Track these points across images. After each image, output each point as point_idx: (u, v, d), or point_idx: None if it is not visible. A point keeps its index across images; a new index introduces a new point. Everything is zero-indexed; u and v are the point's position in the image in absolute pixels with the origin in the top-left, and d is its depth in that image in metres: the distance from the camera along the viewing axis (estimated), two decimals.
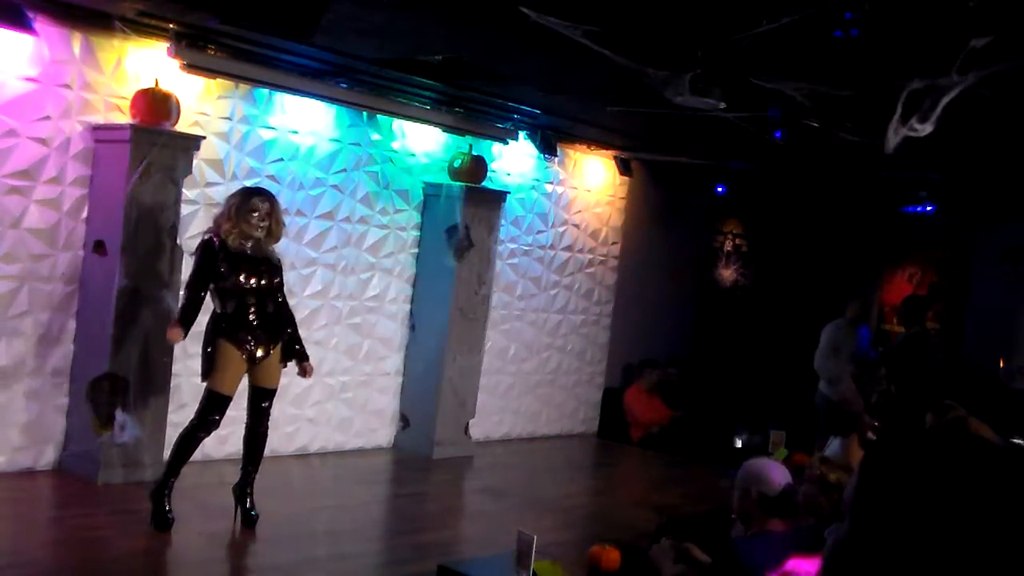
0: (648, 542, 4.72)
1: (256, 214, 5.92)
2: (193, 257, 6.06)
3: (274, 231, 6.05)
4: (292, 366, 6.27)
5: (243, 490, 6.17)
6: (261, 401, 6.14)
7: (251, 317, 5.94)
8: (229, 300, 5.91)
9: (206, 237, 5.98)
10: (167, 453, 6.92)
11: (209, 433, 5.96)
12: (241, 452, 6.29)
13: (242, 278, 5.90)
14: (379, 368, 8.65)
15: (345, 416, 8.43)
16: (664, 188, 11.18)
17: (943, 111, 4.42)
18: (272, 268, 6.09)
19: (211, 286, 5.90)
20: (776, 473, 4.25)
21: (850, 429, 5.94)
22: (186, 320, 5.89)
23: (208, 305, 6.01)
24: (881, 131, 4.66)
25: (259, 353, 5.98)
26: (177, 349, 6.87)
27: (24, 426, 6.55)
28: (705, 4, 4.76)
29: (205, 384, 5.97)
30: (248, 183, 7.41)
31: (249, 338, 5.93)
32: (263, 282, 5.98)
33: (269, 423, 6.24)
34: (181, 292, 6.19)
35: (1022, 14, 4.10)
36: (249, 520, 6.11)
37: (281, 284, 6.15)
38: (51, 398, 6.65)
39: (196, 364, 6.95)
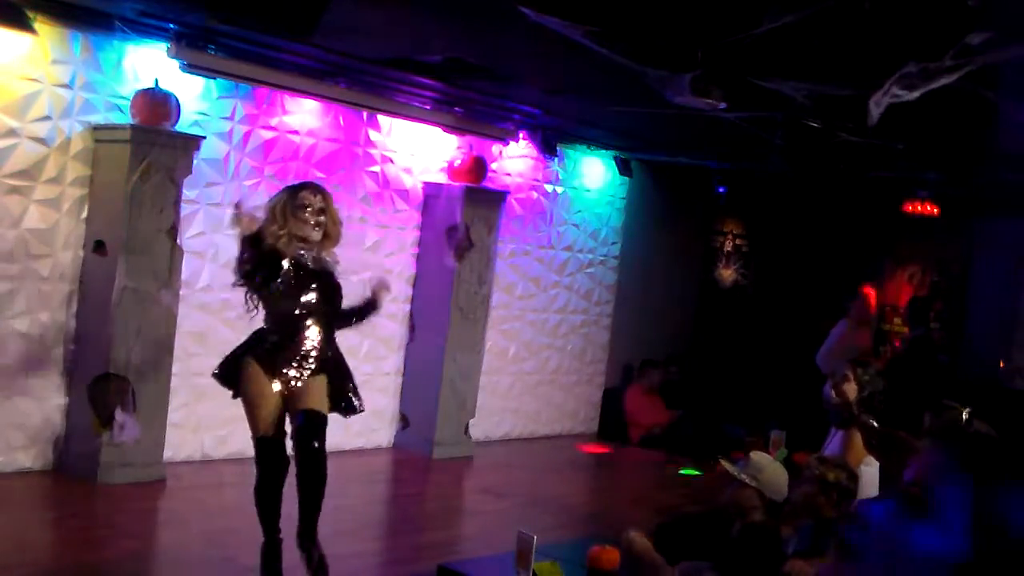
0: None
1: (309, 209, 4.85)
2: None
3: (331, 232, 4.96)
4: None
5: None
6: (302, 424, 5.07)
7: (294, 342, 4.90)
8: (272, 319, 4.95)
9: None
10: (167, 453, 6.95)
11: (276, 478, 5.17)
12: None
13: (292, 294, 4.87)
14: (379, 368, 8.64)
15: None
16: (664, 188, 11.18)
17: (935, 95, 4.43)
18: (328, 285, 4.99)
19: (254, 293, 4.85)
20: (784, 482, 4.34)
21: (848, 423, 5.92)
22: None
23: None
24: (880, 132, 4.67)
25: (294, 376, 4.95)
26: (177, 349, 6.87)
27: (24, 426, 6.54)
28: (705, 4, 4.76)
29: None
30: (248, 183, 7.43)
31: (287, 366, 4.92)
32: (314, 301, 4.92)
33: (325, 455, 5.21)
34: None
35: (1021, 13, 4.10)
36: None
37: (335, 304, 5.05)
38: (51, 398, 6.65)
39: (197, 364, 6.98)
